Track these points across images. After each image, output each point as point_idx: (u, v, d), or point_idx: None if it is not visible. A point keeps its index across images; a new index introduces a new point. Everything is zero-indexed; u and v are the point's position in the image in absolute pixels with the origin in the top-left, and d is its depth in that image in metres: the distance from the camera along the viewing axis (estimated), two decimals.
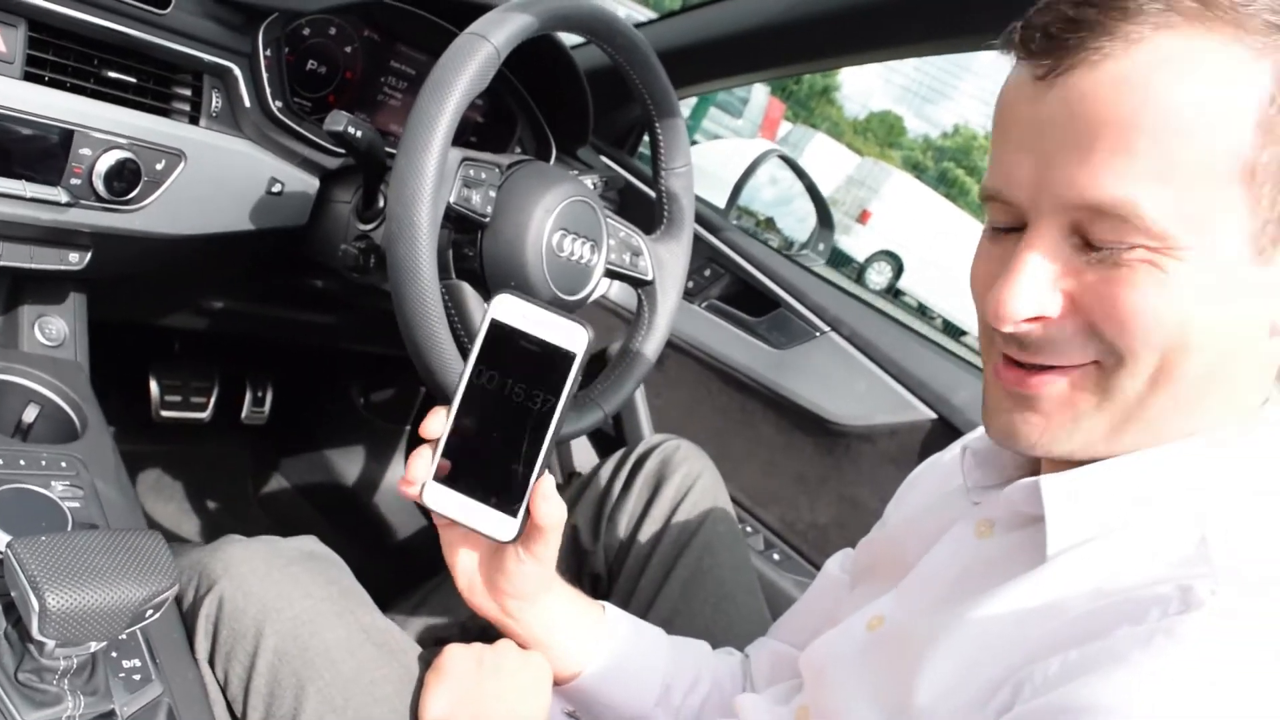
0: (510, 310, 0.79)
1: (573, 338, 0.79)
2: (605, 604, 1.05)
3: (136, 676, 0.76)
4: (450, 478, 0.83)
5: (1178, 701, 0.56)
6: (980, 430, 0.81)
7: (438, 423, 0.83)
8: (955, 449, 0.98)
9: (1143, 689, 0.57)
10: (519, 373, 0.80)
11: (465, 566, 0.93)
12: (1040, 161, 0.65)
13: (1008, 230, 0.70)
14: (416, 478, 0.83)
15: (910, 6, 1.54)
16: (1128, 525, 0.69)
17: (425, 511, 0.91)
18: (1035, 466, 0.80)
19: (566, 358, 0.80)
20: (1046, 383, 0.69)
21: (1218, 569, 0.62)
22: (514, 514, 0.82)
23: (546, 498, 0.84)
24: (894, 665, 0.78)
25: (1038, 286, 0.66)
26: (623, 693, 1.00)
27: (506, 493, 0.82)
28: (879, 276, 13.91)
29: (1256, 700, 0.56)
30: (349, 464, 2.12)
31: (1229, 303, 0.64)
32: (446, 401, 0.83)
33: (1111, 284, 0.64)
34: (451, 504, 0.83)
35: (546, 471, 0.83)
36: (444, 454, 0.83)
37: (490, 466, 0.83)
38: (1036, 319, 0.67)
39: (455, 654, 0.94)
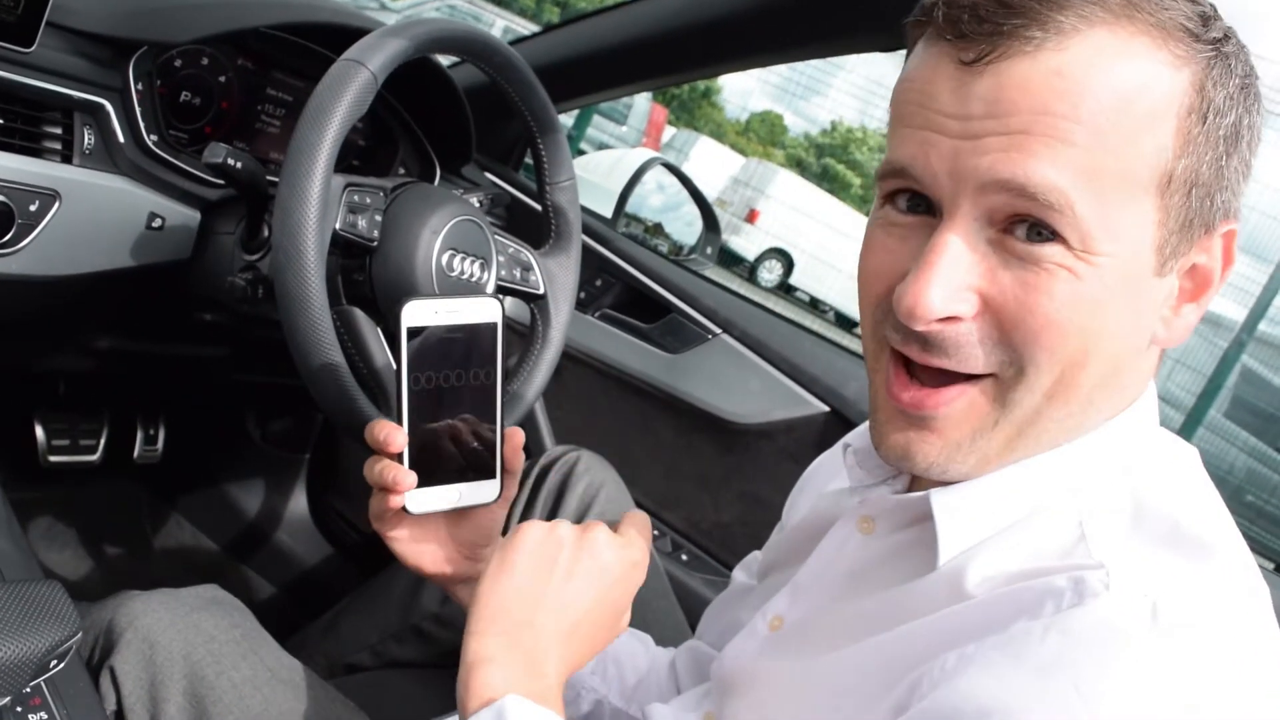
0: (421, 313, 0.82)
1: (487, 311, 0.85)
2: None
3: None
4: (422, 477, 0.85)
5: (1073, 694, 0.56)
6: (862, 428, 0.82)
7: (397, 436, 0.83)
8: (838, 447, 1.00)
9: (1037, 682, 0.57)
10: (452, 362, 0.84)
11: (434, 557, 0.91)
12: (965, 144, 0.62)
13: (909, 218, 0.68)
14: (398, 494, 0.84)
15: (784, 14, 1.57)
16: (1015, 526, 0.69)
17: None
18: None
19: (490, 330, 0.85)
20: (944, 403, 0.67)
21: (1101, 557, 0.62)
22: (493, 475, 0.89)
23: (516, 450, 0.90)
24: (796, 668, 0.78)
25: (958, 276, 0.63)
26: None
27: (479, 462, 0.88)
28: (770, 274, 14.08)
29: (1149, 690, 0.56)
30: (249, 497, 2.08)
31: (1129, 315, 0.64)
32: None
33: (1028, 288, 0.62)
34: (433, 500, 0.87)
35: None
36: (409, 461, 0.85)
37: (458, 450, 0.87)
38: (950, 319, 0.64)
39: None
